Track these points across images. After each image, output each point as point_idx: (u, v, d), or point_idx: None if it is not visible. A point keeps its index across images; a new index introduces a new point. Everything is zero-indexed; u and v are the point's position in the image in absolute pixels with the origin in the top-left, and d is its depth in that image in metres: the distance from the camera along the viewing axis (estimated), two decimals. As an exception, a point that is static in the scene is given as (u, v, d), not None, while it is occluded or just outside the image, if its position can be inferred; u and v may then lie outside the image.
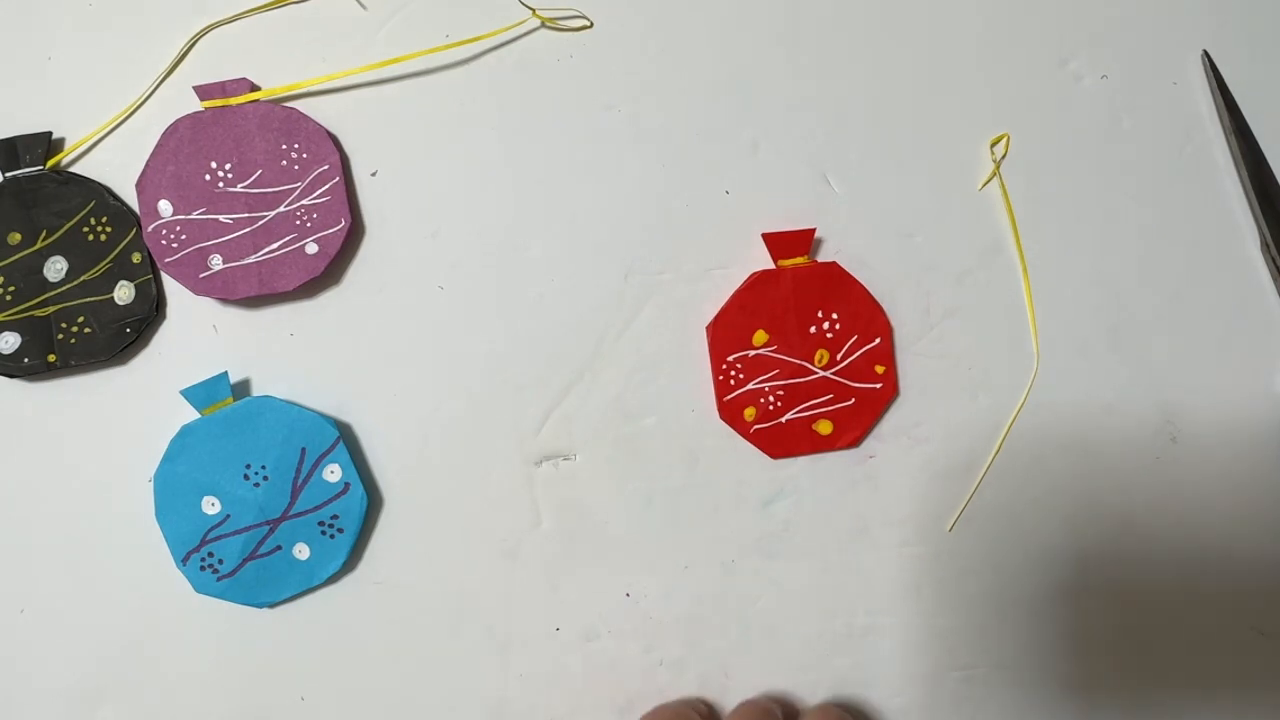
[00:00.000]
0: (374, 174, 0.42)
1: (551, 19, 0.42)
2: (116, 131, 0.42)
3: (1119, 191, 0.43)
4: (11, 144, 0.41)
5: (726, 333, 0.42)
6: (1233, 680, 0.42)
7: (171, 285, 0.42)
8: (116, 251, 0.41)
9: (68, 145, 0.42)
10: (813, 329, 0.42)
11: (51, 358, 0.41)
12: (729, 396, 0.42)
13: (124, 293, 0.41)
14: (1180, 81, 0.43)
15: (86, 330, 0.41)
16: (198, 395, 0.40)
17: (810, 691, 0.42)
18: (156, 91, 0.42)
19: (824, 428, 0.42)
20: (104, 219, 0.41)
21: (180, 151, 0.41)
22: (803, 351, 0.42)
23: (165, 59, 0.42)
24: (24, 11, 0.42)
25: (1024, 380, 0.42)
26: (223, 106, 0.41)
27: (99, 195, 0.41)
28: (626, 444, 0.42)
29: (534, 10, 0.42)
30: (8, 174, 0.41)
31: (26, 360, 0.41)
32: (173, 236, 0.41)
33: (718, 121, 0.42)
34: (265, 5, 0.42)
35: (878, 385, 0.42)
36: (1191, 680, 0.42)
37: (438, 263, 0.42)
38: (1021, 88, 0.43)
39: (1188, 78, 0.43)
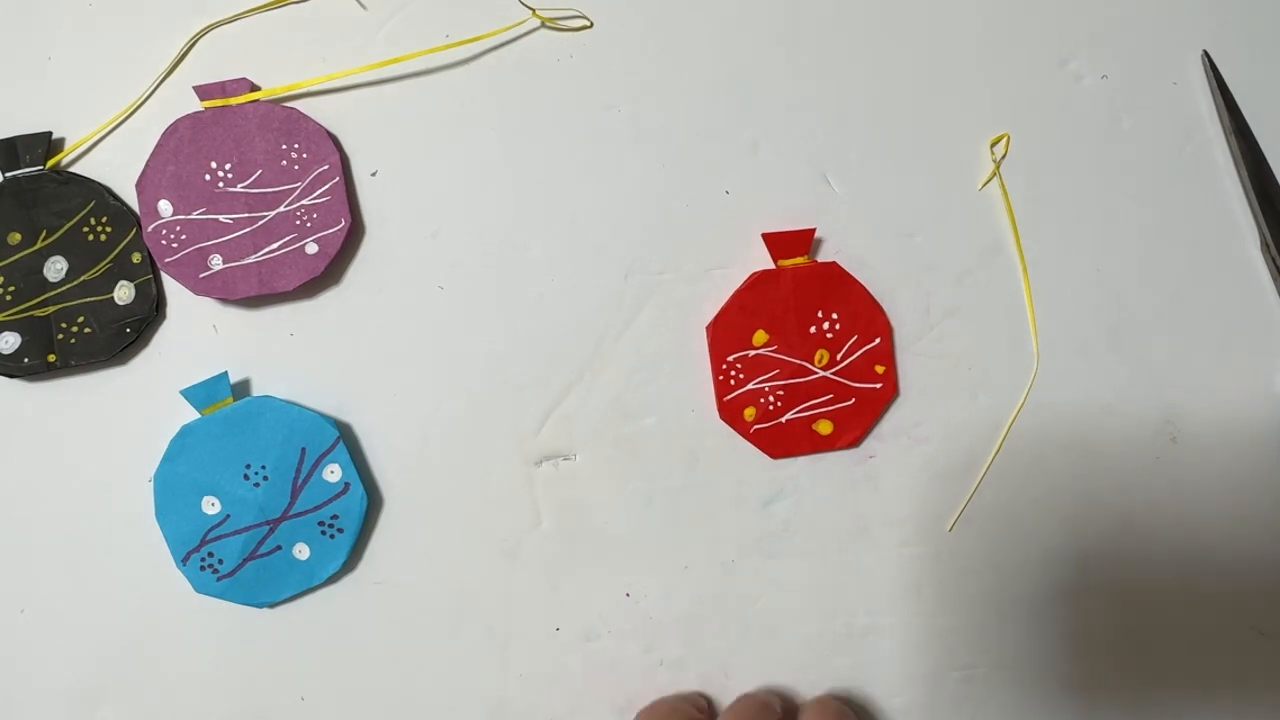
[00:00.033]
0: (374, 174, 0.42)
1: (551, 19, 0.42)
2: (116, 131, 0.42)
3: (1119, 191, 0.43)
4: (11, 144, 0.41)
5: (726, 333, 0.42)
6: (1233, 680, 0.42)
7: (171, 285, 0.42)
8: (116, 251, 0.41)
9: (68, 145, 0.42)
10: (813, 329, 0.42)
11: (51, 358, 0.41)
12: (729, 396, 0.42)
13: (124, 293, 0.41)
14: (1180, 81, 0.43)
15: (86, 330, 0.41)
16: (198, 395, 0.40)
17: (810, 691, 0.42)
18: (156, 91, 0.42)
19: (824, 428, 0.42)
20: (104, 219, 0.41)
21: (180, 151, 0.41)
22: (803, 351, 0.42)
23: (165, 59, 0.42)
24: (24, 11, 0.42)
25: (1024, 380, 0.42)
26: (223, 106, 0.41)
27: (99, 195, 0.41)
28: (626, 444, 0.42)
29: (534, 10, 0.42)
30: (8, 174, 0.41)
31: (26, 360, 0.41)
32: (173, 236, 0.41)
33: (718, 121, 0.42)
34: (265, 5, 0.42)
35: (878, 385, 0.42)
36: (1191, 680, 0.42)
37: (438, 263, 0.42)
38: (1021, 88, 0.43)
39: (1188, 78, 0.43)
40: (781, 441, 0.42)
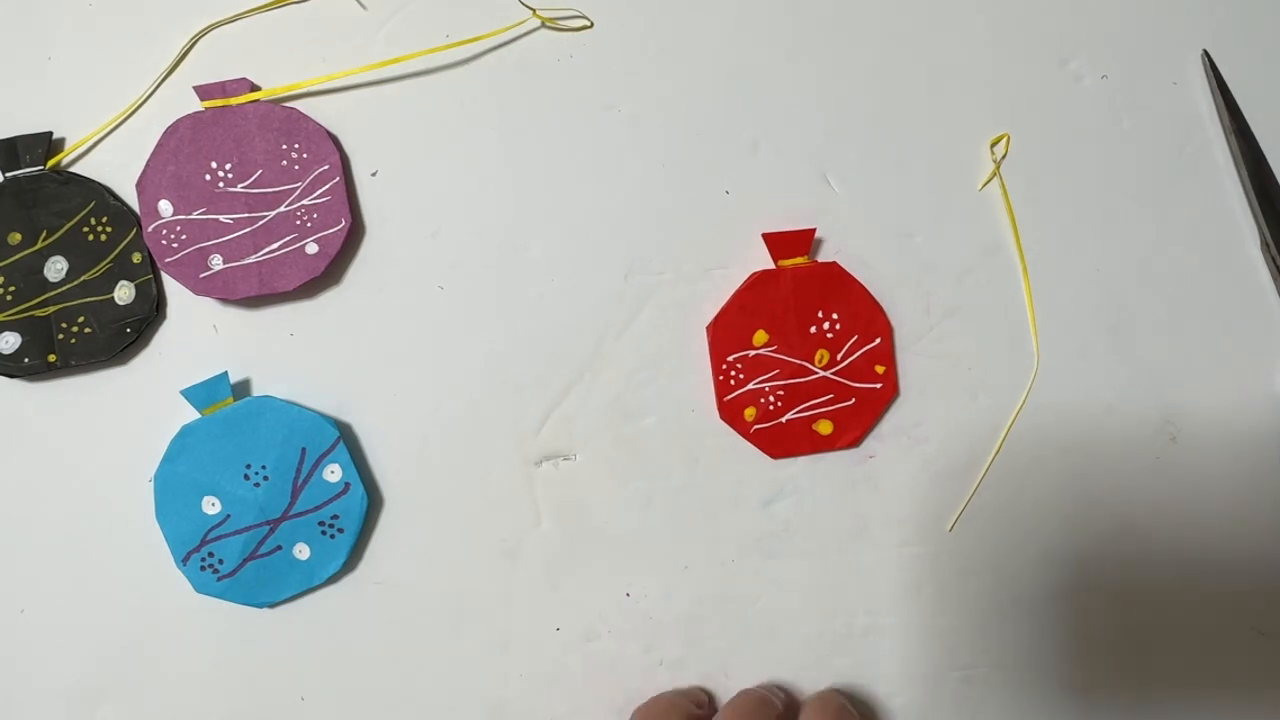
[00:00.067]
0: (374, 174, 0.42)
1: (551, 19, 0.42)
2: (116, 131, 0.42)
3: (1119, 191, 0.43)
4: (11, 144, 0.41)
5: (726, 333, 0.42)
6: (1233, 680, 0.42)
7: (171, 285, 0.42)
8: (116, 251, 0.41)
9: (68, 145, 0.42)
10: (813, 329, 0.42)
11: (51, 358, 0.41)
12: (729, 396, 0.42)
13: (124, 293, 0.41)
14: (1180, 81, 0.43)
15: (86, 330, 0.41)
16: (198, 395, 0.40)
17: (810, 691, 0.42)
18: (156, 91, 0.42)
19: (824, 428, 0.42)
20: (104, 219, 0.41)
21: (180, 151, 0.41)
22: (803, 351, 0.42)
23: (165, 59, 0.42)
24: (24, 11, 0.42)
25: (1024, 380, 0.42)
26: (223, 106, 0.41)
27: (99, 195, 0.41)
28: (626, 444, 0.42)
29: (534, 10, 0.42)
30: (8, 174, 0.41)
31: (26, 360, 0.41)
32: (173, 236, 0.41)
33: (718, 121, 0.42)
34: (265, 5, 0.42)
35: (878, 385, 0.42)
36: (1191, 680, 0.42)
37: (438, 263, 0.42)
38: (1021, 88, 0.43)
39: (1188, 78, 0.43)
40: (781, 441, 0.42)
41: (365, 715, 0.42)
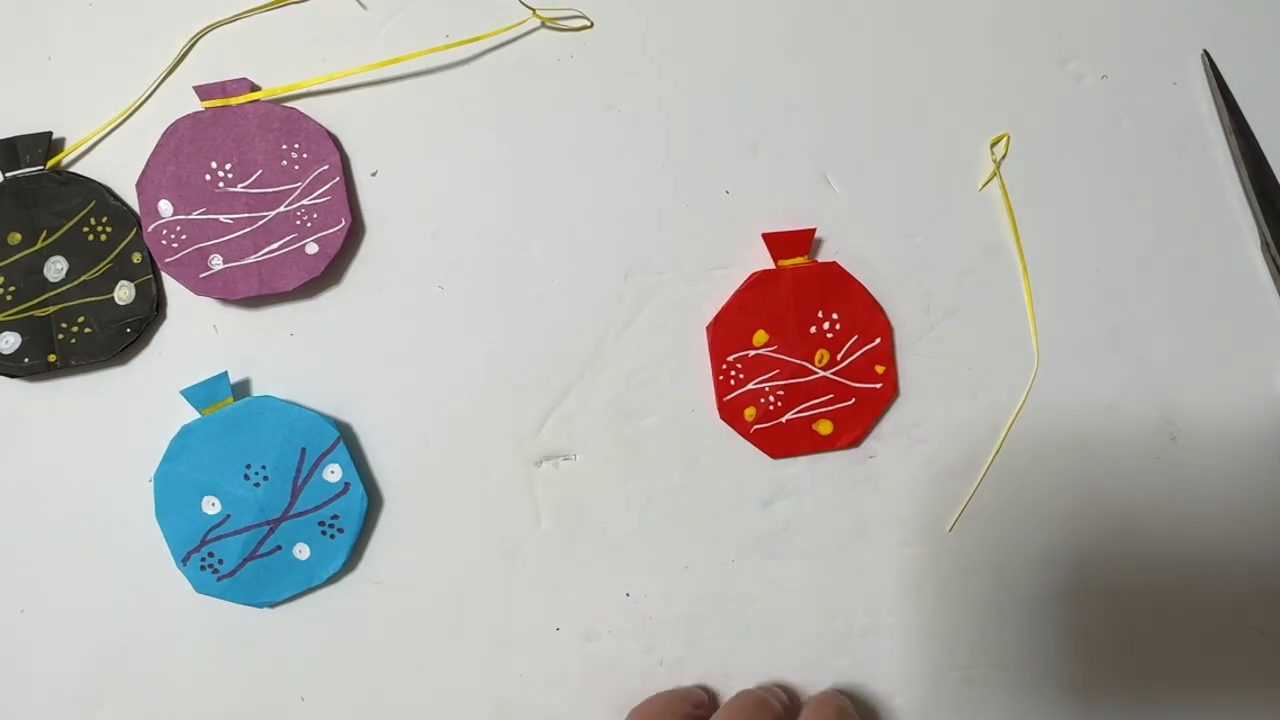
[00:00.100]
0: (374, 174, 0.42)
1: (551, 19, 0.42)
2: (116, 131, 0.42)
3: (1119, 192, 0.43)
4: (11, 144, 0.41)
5: (726, 333, 0.42)
6: (1233, 680, 0.42)
7: (171, 285, 0.42)
8: (116, 251, 0.41)
9: (68, 145, 0.42)
10: (813, 329, 0.42)
11: (51, 358, 0.41)
12: (729, 396, 0.42)
13: (124, 293, 0.41)
14: (1180, 81, 0.43)
15: (86, 330, 0.41)
16: (198, 395, 0.40)
17: (810, 691, 0.42)
18: (156, 91, 0.42)
19: (824, 428, 0.42)
20: (104, 219, 0.41)
21: (180, 151, 0.41)
22: (803, 351, 0.42)
23: (165, 59, 0.42)
24: (24, 11, 0.42)
25: (1024, 380, 0.42)
26: (223, 106, 0.41)
27: (99, 195, 0.41)
28: (626, 444, 0.42)
29: (534, 10, 0.42)
30: (8, 174, 0.41)
31: (26, 360, 0.41)
32: (173, 236, 0.41)
33: (718, 121, 0.42)
34: (265, 5, 0.42)
35: (878, 385, 0.42)
36: (1191, 680, 0.42)
37: (438, 263, 0.42)
38: (1021, 88, 0.43)
39: (1188, 78, 0.43)
40: (781, 441, 0.42)
41: (365, 715, 0.42)
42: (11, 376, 0.41)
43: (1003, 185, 0.42)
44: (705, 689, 0.42)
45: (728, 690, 0.42)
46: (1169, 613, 0.42)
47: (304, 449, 0.40)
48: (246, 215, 0.41)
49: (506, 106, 0.42)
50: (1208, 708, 0.42)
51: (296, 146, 0.41)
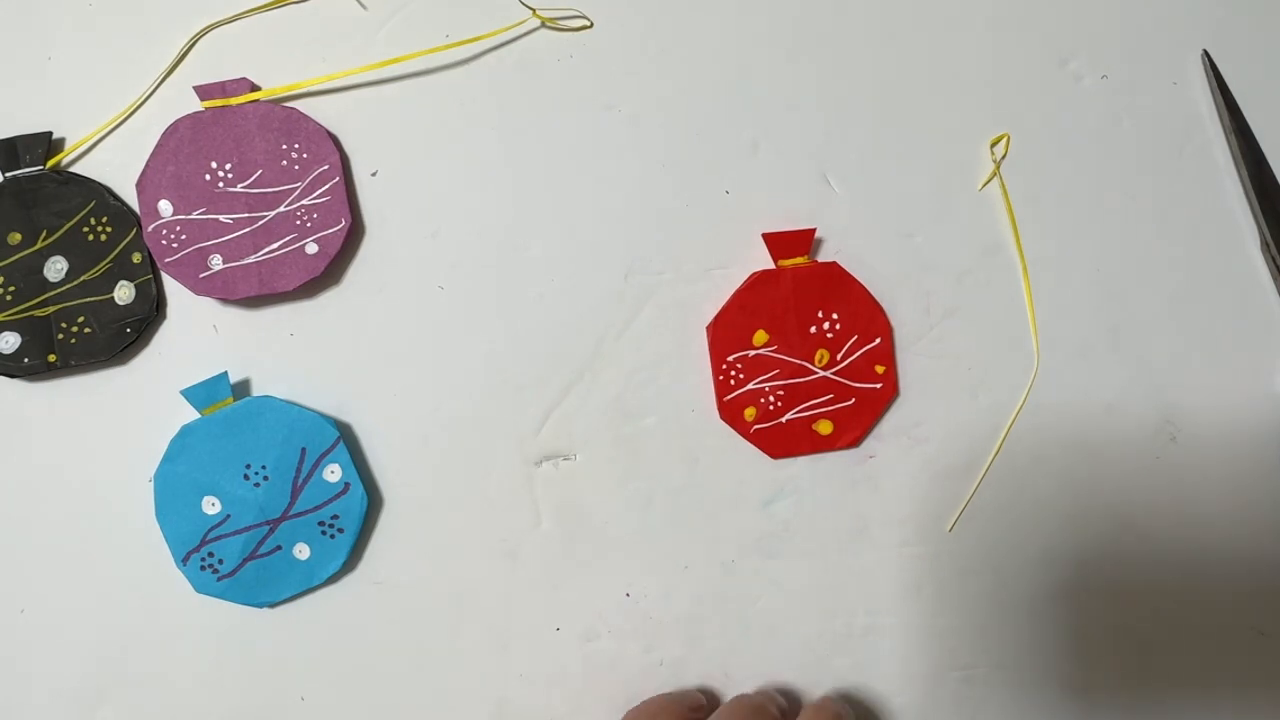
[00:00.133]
0: (374, 174, 0.42)
1: (551, 19, 0.42)
2: (116, 131, 0.42)
3: (1119, 192, 0.43)
4: (11, 144, 0.41)
5: (726, 333, 0.42)
6: (1233, 680, 0.42)
7: (171, 285, 0.42)
8: (116, 251, 0.41)
9: (68, 145, 0.42)
10: (813, 329, 0.42)
11: (51, 358, 0.41)
12: (729, 396, 0.42)
13: (124, 293, 0.41)
14: (1180, 81, 0.43)
15: (86, 330, 0.41)
16: (198, 395, 0.40)
17: (810, 691, 0.42)
18: (156, 91, 0.42)
19: (824, 428, 0.42)
20: (104, 219, 0.41)
21: (180, 151, 0.41)
22: (803, 351, 0.42)
23: (165, 59, 0.42)
24: (24, 11, 0.42)
25: (1024, 380, 0.42)
26: (223, 106, 0.41)
27: (99, 195, 0.41)
28: (626, 444, 0.42)
29: (534, 10, 0.42)
30: (8, 174, 0.41)
31: (26, 360, 0.41)
32: (173, 236, 0.41)
33: (718, 121, 0.42)
34: (265, 5, 0.42)
35: (878, 385, 0.42)
36: (1191, 680, 0.42)
37: (438, 263, 0.42)
38: (1021, 88, 0.43)
39: (1188, 78, 0.43)
40: (781, 441, 0.42)
41: (365, 715, 0.42)
42: (11, 376, 0.41)
43: (1003, 185, 0.42)
44: (705, 692, 0.42)
45: (728, 690, 0.42)
46: (1169, 613, 0.42)
47: (304, 449, 0.41)
48: (246, 215, 0.41)
49: (506, 106, 0.42)
50: (1208, 708, 0.42)
51: (296, 146, 0.41)
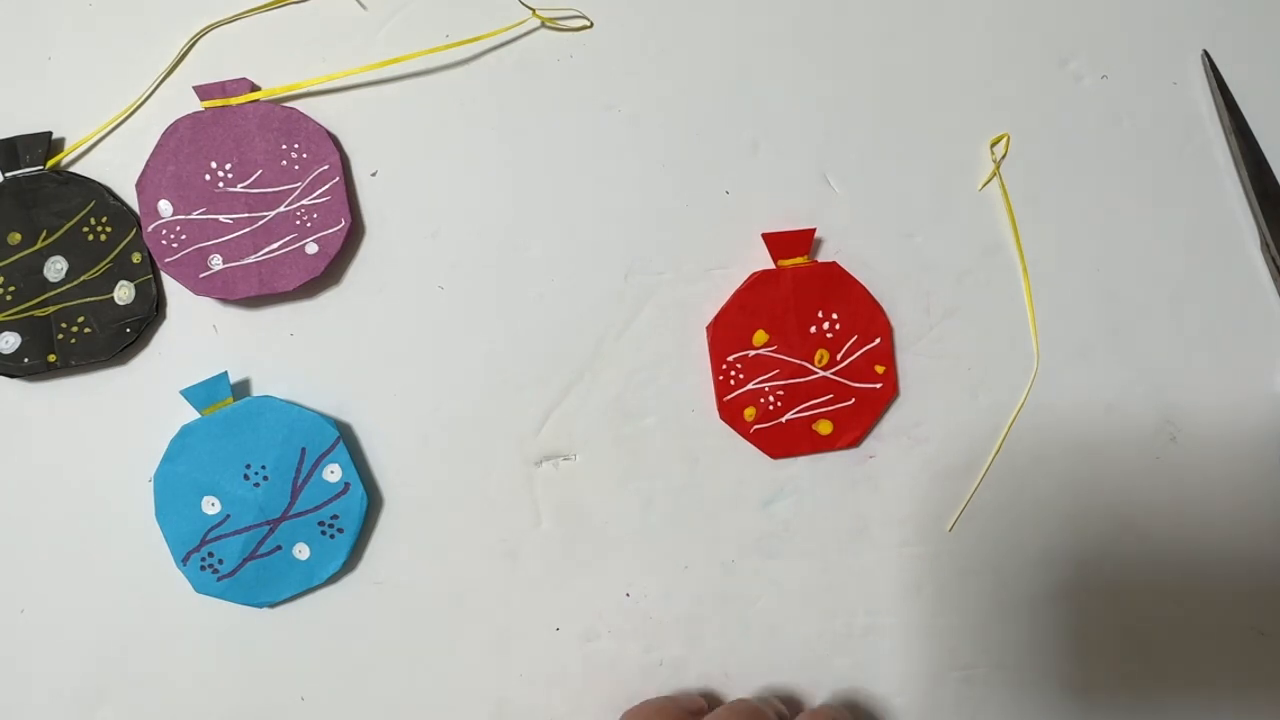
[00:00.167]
0: (374, 174, 0.42)
1: (551, 19, 0.42)
2: (116, 131, 0.42)
3: (1119, 192, 0.43)
4: (11, 144, 0.41)
5: (726, 333, 0.42)
6: (1233, 680, 0.42)
7: (171, 285, 0.42)
8: (116, 251, 0.41)
9: (68, 145, 0.42)
10: (813, 329, 0.42)
11: (51, 358, 0.41)
12: (729, 396, 0.42)
13: (124, 293, 0.41)
14: (1180, 81, 0.43)
15: (86, 330, 0.41)
16: (198, 395, 0.40)
17: (810, 691, 0.42)
18: (156, 91, 0.42)
19: (824, 428, 0.42)
20: (104, 219, 0.41)
21: (180, 151, 0.41)
22: (803, 351, 0.42)
23: (165, 59, 0.42)
24: (24, 11, 0.42)
25: (1024, 380, 0.42)
26: (223, 106, 0.41)
27: (99, 195, 0.41)
28: (626, 444, 0.42)
29: (534, 10, 0.42)
30: (8, 174, 0.41)
31: (26, 360, 0.41)
32: (173, 236, 0.41)
33: (718, 121, 0.42)
34: (265, 5, 0.42)
35: (878, 385, 0.42)
36: (1191, 680, 0.42)
37: (438, 263, 0.42)
38: (1021, 88, 0.43)
39: (1188, 78, 0.43)
40: (781, 441, 0.42)
41: (365, 715, 0.42)
42: (11, 376, 0.41)
43: (1003, 185, 0.42)
44: (706, 695, 0.42)
45: (727, 690, 0.42)
46: (1169, 613, 0.42)
47: (304, 449, 0.40)
48: (246, 215, 0.41)
49: (506, 106, 0.42)
50: (1208, 708, 0.42)
51: (296, 146, 0.41)
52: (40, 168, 0.41)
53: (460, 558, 0.42)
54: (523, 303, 0.42)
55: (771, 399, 0.42)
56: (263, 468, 0.40)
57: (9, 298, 0.41)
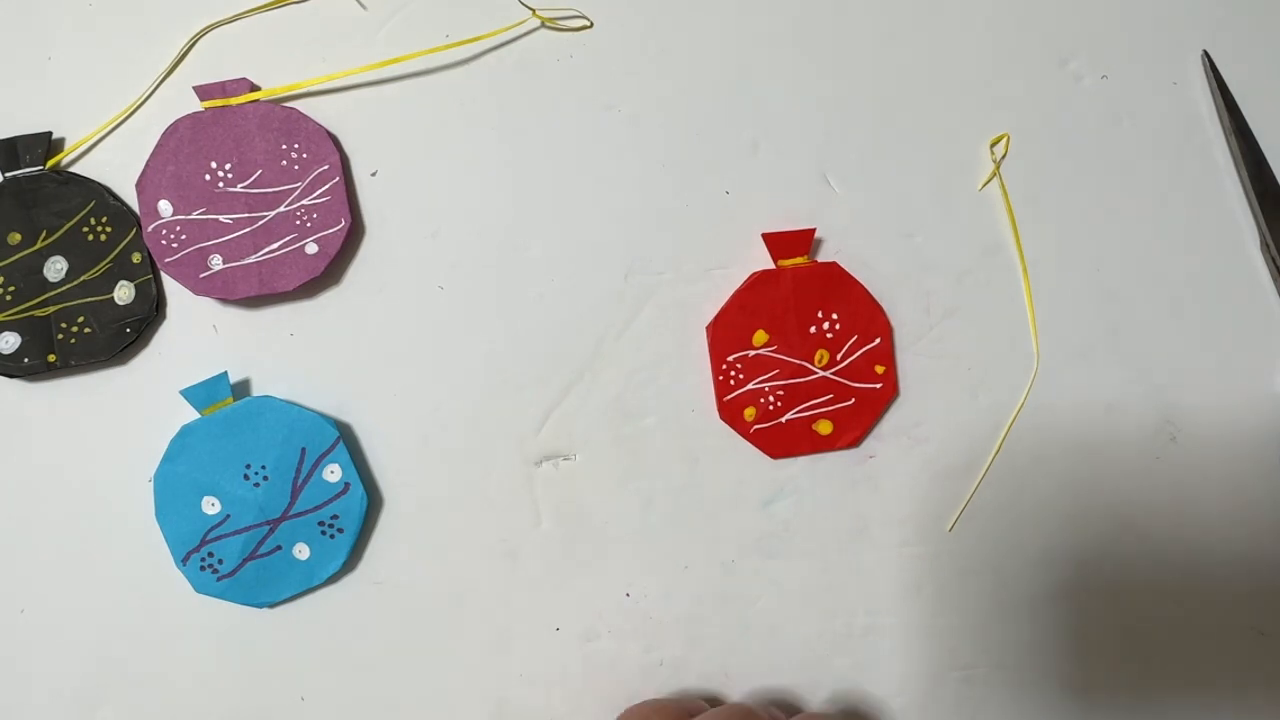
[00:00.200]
0: (374, 174, 0.42)
1: (551, 19, 0.42)
2: (116, 131, 0.42)
3: (1119, 192, 0.43)
4: (11, 144, 0.41)
5: (726, 333, 0.42)
6: (1233, 680, 0.42)
7: (171, 285, 0.42)
8: (116, 251, 0.41)
9: (68, 145, 0.42)
10: (813, 329, 0.42)
11: (51, 358, 0.41)
12: (729, 396, 0.42)
13: (124, 293, 0.41)
14: (1180, 81, 0.43)
15: (86, 330, 0.41)
16: (198, 395, 0.40)
17: (810, 691, 0.42)
18: (156, 91, 0.42)
19: (824, 428, 0.42)
20: (104, 219, 0.41)
21: (180, 151, 0.41)
22: (803, 351, 0.42)
23: (165, 59, 0.42)
24: (24, 11, 0.42)
25: (1024, 380, 0.42)
26: (223, 106, 0.41)
27: (99, 195, 0.41)
28: (626, 444, 0.42)
29: (534, 10, 0.42)
30: (8, 174, 0.41)
31: (26, 360, 0.41)
32: (173, 236, 0.41)
33: (718, 121, 0.42)
34: (265, 5, 0.42)
35: (878, 385, 0.42)
36: (1191, 680, 0.42)
37: (438, 263, 0.42)
38: (1021, 88, 0.43)
39: (1188, 78, 0.43)
40: (781, 441, 0.42)
41: (365, 715, 0.42)
42: (11, 376, 0.41)
43: (1003, 185, 0.42)
44: (707, 698, 0.42)
45: (727, 690, 0.42)
46: (1169, 613, 0.42)
47: (304, 449, 0.41)
48: (246, 215, 0.41)
49: (506, 106, 0.42)
50: (1208, 708, 0.42)
51: (296, 146, 0.41)
52: (40, 168, 0.41)
53: (460, 558, 0.42)
54: (523, 303, 0.42)
55: (771, 399, 0.42)
56: (263, 468, 0.40)
57: (9, 298, 0.41)
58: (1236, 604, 0.42)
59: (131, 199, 0.41)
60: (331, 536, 0.41)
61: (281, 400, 0.41)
